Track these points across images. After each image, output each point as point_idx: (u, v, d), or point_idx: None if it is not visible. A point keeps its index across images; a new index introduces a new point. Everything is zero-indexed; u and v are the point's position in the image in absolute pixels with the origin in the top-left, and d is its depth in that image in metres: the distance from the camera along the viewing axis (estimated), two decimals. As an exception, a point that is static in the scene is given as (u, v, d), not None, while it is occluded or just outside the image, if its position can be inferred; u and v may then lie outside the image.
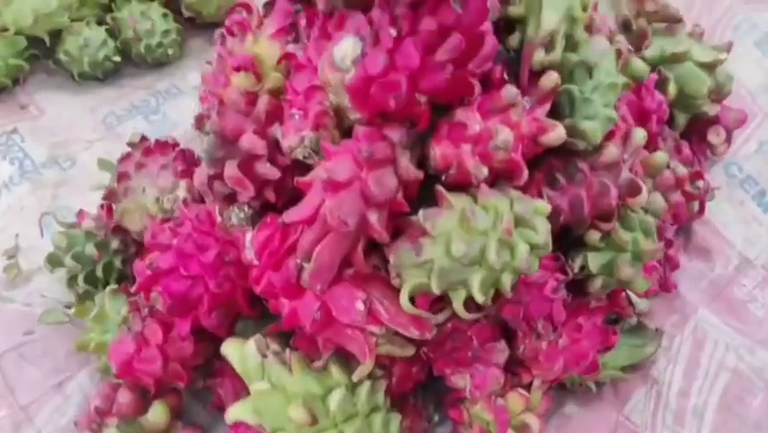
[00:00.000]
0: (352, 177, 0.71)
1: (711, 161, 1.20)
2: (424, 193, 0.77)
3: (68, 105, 1.30)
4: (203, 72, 0.96)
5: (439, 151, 0.74)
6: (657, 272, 0.90)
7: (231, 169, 0.81)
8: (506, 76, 0.77)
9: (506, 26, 0.77)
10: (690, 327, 1.05)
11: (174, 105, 1.31)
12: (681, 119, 1.12)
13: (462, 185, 0.76)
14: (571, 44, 0.79)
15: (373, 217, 0.72)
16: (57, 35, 1.28)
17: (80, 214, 1.06)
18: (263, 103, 0.83)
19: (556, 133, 0.74)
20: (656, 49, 1.08)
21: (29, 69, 1.29)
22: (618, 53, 0.81)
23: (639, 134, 0.83)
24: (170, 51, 1.32)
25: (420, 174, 0.74)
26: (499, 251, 0.72)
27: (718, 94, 1.12)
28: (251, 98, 0.85)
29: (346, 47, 0.71)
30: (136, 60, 1.33)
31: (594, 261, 0.85)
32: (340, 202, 0.71)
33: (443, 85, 0.71)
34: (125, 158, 1.01)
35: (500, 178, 0.77)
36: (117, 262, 1.03)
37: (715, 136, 1.14)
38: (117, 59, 1.30)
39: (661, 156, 0.97)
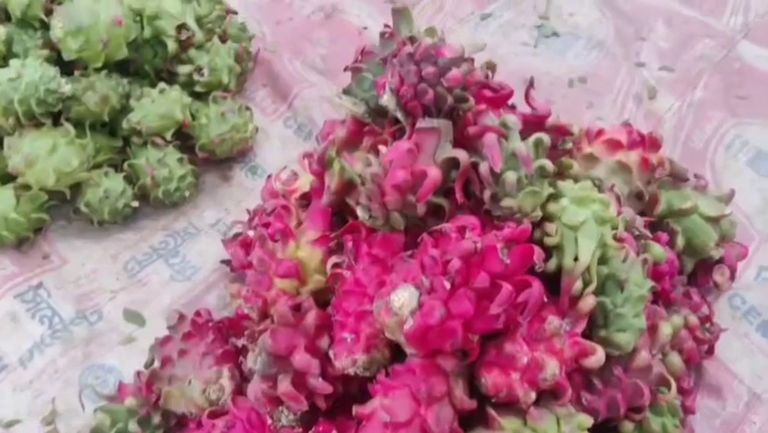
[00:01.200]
0: (412, 415, 0.76)
1: (716, 293, 1.26)
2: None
3: (90, 253, 1.32)
4: (248, 279, 0.98)
5: (490, 379, 0.79)
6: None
7: (284, 385, 0.85)
8: (545, 299, 0.81)
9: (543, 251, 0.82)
10: (709, 471, 1.11)
11: (192, 247, 1.34)
12: (689, 264, 1.18)
13: (511, 404, 0.80)
14: (603, 259, 0.84)
15: (433, 450, 0.77)
16: (76, 186, 1.30)
17: (121, 389, 1.09)
18: (311, 317, 0.87)
19: (596, 358, 0.80)
20: (664, 203, 1.14)
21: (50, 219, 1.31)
22: (644, 262, 0.86)
23: (665, 332, 0.89)
24: (187, 193, 1.35)
25: (474, 404, 0.79)
26: (551, 475, 0.77)
27: (724, 241, 1.18)
28: (297, 306, 0.89)
29: (403, 297, 0.75)
30: (153, 204, 1.35)
31: (628, 451, 0.90)
32: (403, 442, 0.75)
33: (496, 328, 0.75)
34: (166, 341, 1.04)
35: (545, 394, 0.82)
36: (159, 437, 1.06)
37: (720, 276, 1.21)
38: (136, 204, 1.33)
39: (676, 322, 1.03)
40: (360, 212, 0.83)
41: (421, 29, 0.94)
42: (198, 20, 1.36)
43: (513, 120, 0.82)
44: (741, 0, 1.74)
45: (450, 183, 0.82)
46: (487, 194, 0.81)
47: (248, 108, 1.42)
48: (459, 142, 0.84)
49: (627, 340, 0.83)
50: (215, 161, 1.41)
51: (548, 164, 0.80)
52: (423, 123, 0.80)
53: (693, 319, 1.12)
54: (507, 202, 0.80)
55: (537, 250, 0.75)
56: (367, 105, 0.87)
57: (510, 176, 0.79)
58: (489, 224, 0.81)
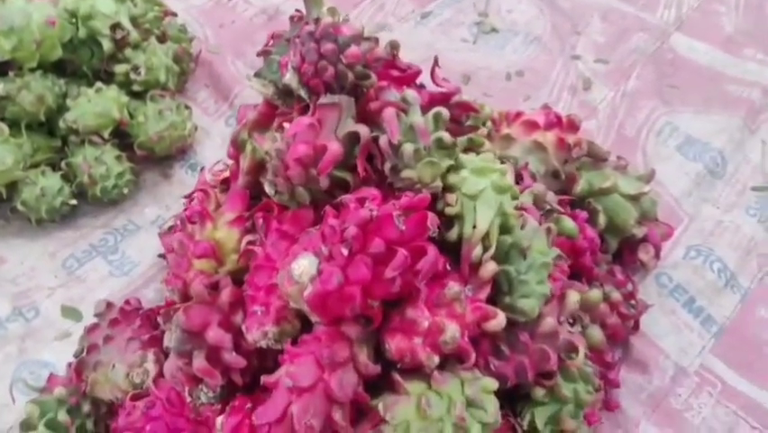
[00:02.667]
0: (315, 381, 0.78)
1: (643, 272, 1.29)
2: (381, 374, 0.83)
3: (29, 252, 1.33)
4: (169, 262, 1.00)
5: (393, 344, 0.81)
6: (595, 418, 0.98)
7: (199, 360, 0.87)
8: (448, 267, 0.84)
9: (443, 220, 0.84)
10: (633, 443, 1.13)
11: (132, 243, 1.35)
12: (613, 243, 1.21)
13: (416, 369, 0.82)
14: (505, 228, 0.87)
15: (338, 415, 0.79)
16: (12, 185, 1.31)
17: (50, 379, 1.10)
18: (226, 294, 0.88)
19: (497, 321, 0.82)
20: (585, 183, 1.17)
21: (-15, 218, 1.32)
22: (548, 231, 0.89)
23: (572, 299, 0.91)
24: (125, 191, 1.36)
25: (378, 369, 0.81)
26: (454, 435, 0.79)
27: (645, 218, 1.21)
28: (214, 285, 0.91)
29: (303, 264, 0.77)
30: (91, 201, 1.37)
31: (540, 415, 0.92)
32: (306, 406, 0.77)
33: (393, 292, 0.78)
34: (93, 329, 1.05)
35: (451, 359, 0.84)
36: (89, 424, 1.07)
37: (644, 254, 1.24)
38: (74, 202, 1.34)
39: (595, 294, 1.06)
40: (267, 187, 0.86)
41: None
42: (133, 20, 1.38)
43: (413, 95, 0.85)
44: (674, -6, 1.78)
45: (354, 158, 0.85)
46: (387, 166, 0.83)
47: (187, 107, 1.44)
48: (363, 118, 0.87)
49: (531, 306, 0.86)
50: (156, 159, 1.43)
51: (446, 136, 0.83)
52: (324, 99, 0.83)
53: (617, 295, 1.15)
54: (406, 173, 0.82)
55: (431, 216, 0.78)
56: (275, 87, 0.89)
57: (408, 148, 0.81)
58: (391, 196, 0.83)
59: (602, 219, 1.17)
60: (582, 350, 0.91)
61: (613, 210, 1.18)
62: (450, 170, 0.85)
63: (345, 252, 0.76)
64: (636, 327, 1.20)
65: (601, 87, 1.60)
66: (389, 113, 0.82)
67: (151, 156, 1.42)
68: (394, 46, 0.89)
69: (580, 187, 1.16)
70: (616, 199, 1.18)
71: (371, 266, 0.76)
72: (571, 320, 1.01)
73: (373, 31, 1.52)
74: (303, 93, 0.85)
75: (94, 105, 1.33)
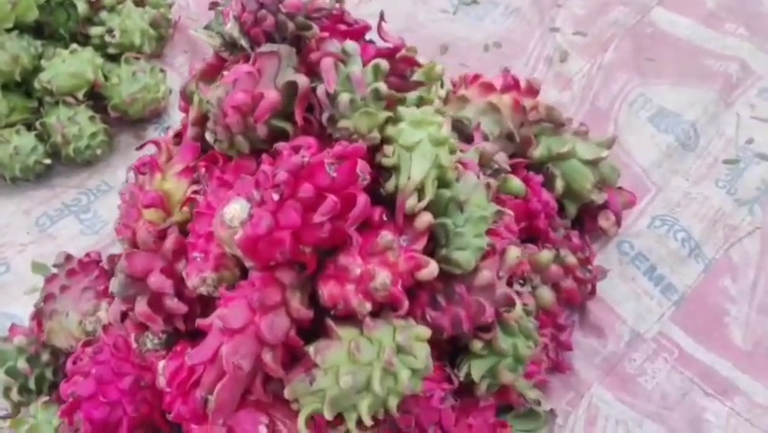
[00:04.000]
0: (246, 323, 0.80)
1: (605, 239, 1.30)
2: (318, 322, 0.85)
3: (2, 209, 1.36)
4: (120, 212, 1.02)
5: (326, 291, 0.83)
6: (538, 375, 0.99)
7: (141, 305, 0.89)
8: (384, 217, 0.85)
9: (382, 173, 0.86)
10: (584, 405, 1.14)
11: (105, 203, 1.38)
12: (572, 208, 1.21)
13: (350, 316, 0.84)
14: (444, 182, 0.88)
15: (268, 357, 0.80)
16: (-13, 144, 1.34)
17: (12, 329, 1.12)
18: (170, 241, 0.90)
19: (429, 270, 0.83)
20: (544, 148, 1.18)
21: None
22: (488, 186, 0.90)
23: (512, 254, 0.92)
24: (99, 151, 1.39)
25: (310, 313, 0.82)
26: (383, 379, 0.80)
27: (604, 184, 1.22)
28: (161, 234, 0.93)
29: (234, 209, 0.79)
30: (65, 162, 1.39)
31: (477, 368, 0.94)
32: (235, 347, 0.79)
33: (324, 239, 0.79)
34: (51, 279, 1.08)
35: (385, 307, 0.85)
36: (48, 374, 1.09)
37: (604, 220, 1.24)
38: (48, 161, 1.37)
39: (545, 255, 1.07)
40: (207, 136, 0.87)
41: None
42: (109, -17, 1.40)
43: (353, 46, 0.86)
44: (656, -32, 1.77)
45: (293, 108, 0.86)
46: (325, 116, 0.85)
47: (162, 70, 1.46)
48: (305, 69, 0.88)
49: (467, 258, 0.87)
50: (130, 121, 1.45)
51: (382, 87, 0.83)
52: (264, 47, 0.84)
53: (572, 259, 1.16)
54: (342, 123, 0.83)
55: (362, 163, 0.79)
56: (222, 38, 0.90)
57: (344, 97, 0.82)
58: (329, 146, 0.84)
59: (559, 184, 1.18)
60: (519, 304, 0.92)
61: (570, 175, 1.19)
62: (388, 122, 0.86)
63: (276, 197, 0.77)
64: (593, 291, 1.21)
65: (578, 59, 1.60)
66: (327, 62, 0.83)
67: (125, 118, 1.44)
68: (341, 1, 0.90)
69: (539, 152, 1.17)
70: (573, 164, 1.18)
71: (301, 211, 0.77)
72: (521, 281, 1.03)
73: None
74: (244, 42, 0.86)
75: (68, 66, 1.36)
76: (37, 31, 1.40)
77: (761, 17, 1.66)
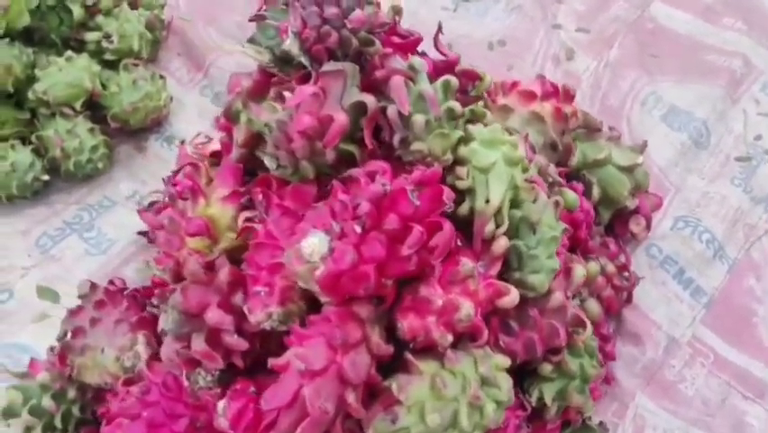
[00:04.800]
0: (327, 363, 0.75)
1: (633, 244, 1.28)
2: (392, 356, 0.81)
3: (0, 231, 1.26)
4: (159, 240, 0.95)
5: (406, 323, 0.79)
6: (595, 389, 0.98)
7: (198, 343, 0.83)
8: (459, 242, 0.81)
9: (455, 196, 0.81)
10: (630, 415, 1.13)
11: (109, 220, 1.30)
12: (606, 215, 1.20)
13: (429, 349, 0.80)
14: (515, 202, 0.84)
15: (351, 397, 0.76)
16: (-20, 161, 1.24)
17: (32, 364, 1.05)
18: (224, 273, 0.84)
19: (510, 298, 0.80)
20: (579, 155, 1.15)
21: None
22: (556, 205, 0.87)
23: (579, 273, 0.90)
24: (100, 165, 1.30)
25: (390, 349, 0.78)
26: (470, 415, 0.77)
27: (637, 190, 1.20)
28: (210, 265, 0.86)
29: (313, 243, 0.74)
30: (64, 177, 1.30)
31: (548, 391, 0.91)
32: (318, 389, 0.74)
33: (409, 271, 0.75)
34: (78, 311, 1.00)
35: (463, 337, 0.81)
36: (75, 410, 1.02)
37: (636, 225, 1.23)
38: (46, 177, 1.28)
39: (593, 268, 1.05)
40: (267, 161, 0.81)
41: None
42: (105, -15, 1.31)
43: (420, 62, 0.81)
44: (653, -38, 1.76)
45: (359, 129, 0.81)
46: (396, 138, 0.80)
47: (161, 76, 1.38)
48: (367, 87, 0.83)
49: (541, 281, 0.84)
50: (129, 131, 1.37)
51: (457, 106, 0.79)
52: (328, 66, 0.79)
53: (611, 267, 1.15)
54: (416, 145, 0.79)
55: (447, 190, 0.75)
56: (272, 53, 0.84)
57: (419, 118, 0.78)
58: (400, 169, 0.80)
59: (596, 191, 1.16)
60: (590, 325, 0.89)
61: (607, 182, 1.17)
62: (460, 142, 0.81)
63: (359, 229, 0.72)
64: (629, 299, 1.20)
65: (584, 56, 1.58)
66: (398, 81, 0.78)
67: (125, 128, 1.36)
68: (397, 11, 0.85)
69: (576, 158, 1.15)
70: (610, 171, 1.17)
71: (386, 243, 0.73)
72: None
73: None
74: (304, 60, 0.80)
75: (65, 74, 1.26)
76: (27, 36, 1.29)
77: (757, 11, 1.67)
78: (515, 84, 1.11)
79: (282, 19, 0.85)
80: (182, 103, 1.44)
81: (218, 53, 1.50)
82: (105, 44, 1.32)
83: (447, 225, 0.75)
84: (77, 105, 1.28)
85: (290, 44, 0.79)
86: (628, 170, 1.17)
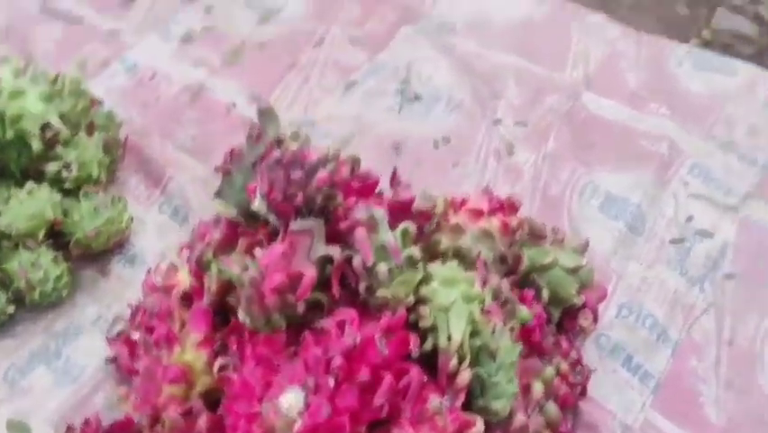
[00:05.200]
0: None
1: (583, 336, 1.36)
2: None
3: (-35, 369, 1.27)
4: (135, 386, 0.98)
5: (381, 463, 0.83)
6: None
7: (182, 493, 0.86)
8: (424, 378, 0.87)
9: (419, 334, 0.88)
10: (593, 505, 1.19)
11: (76, 346, 1.31)
12: (556, 314, 1.27)
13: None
14: (474, 332, 0.91)
15: None
16: (-56, 298, 1.25)
17: None
18: (203, 421, 0.88)
19: (477, 429, 0.86)
20: (527, 260, 1.23)
21: None
22: (512, 330, 0.94)
23: (537, 388, 0.96)
24: (64, 293, 1.33)
25: (366, 489, 0.82)
26: None
27: (584, 287, 1.28)
28: (188, 411, 0.90)
29: (290, 399, 0.78)
30: (30, 307, 1.32)
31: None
32: None
33: (381, 416, 0.80)
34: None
35: (432, 469, 0.87)
36: None
37: (584, 320, 1.30)
38: (11, 310, 1.29)
39: (550, 373, 1.12)
40: (241, 316, 0.86)
41: (287, 123, 0.98)
42: (62, 116, 1.34)
43: (381, 213, 0.87)
44: (580, 54, 1.89)
45: (326, 278, 0.87)
46: (362, 286, 0.86)
47: (120, 199, 1.42)
48: (332, 235, 0.89)
49: (503, 406, 0.90)
50: (92, 255, 1.40)
51: (416, 252, 0.86)
52: (295, 224, 0.85)
53: (564, 366, 1.21)
54: (381, 293, 0.85)
55: (413, 337, 0.81)
56: (239, 208, 0.90)
57: (382, 268, 0.84)
58: (366, 313, 0.86)
59: (545, 294, 1.23)
60: (551, 436, 0.95)
61: (555, 284, 1.24)
62: (421, 282, 0.88)
63: (332, 382, 0.77)
64: (584, 392, 1.27)
65: (523, 150, 1.68)
66: (361, 234, 0.84)
67: (87, 253, 1.38)
68: (356, 162, 0.92)
69: (524, 265, 1.22)
70: (557, 273, 1.24)
71: (358, 394, 0.78)
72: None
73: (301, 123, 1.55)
74: (272, 219, 0.86)
75: (26, 207, 1.29)
76: (-15, 170, 1.32)
77: (679, 96, 1.80)
78: (463, 202, 1.18)
79: (247, 176, 0.91)
80: (142, 221, 1.48)
81: (176, 168, 1.55)
82: (64, 174, 1.35)
83: (415, 370, 0.81)
84: (40, 236, 1.31)
85: (259, 205, 0.85)
86: (574, 270, 1.25)
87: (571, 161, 1.65)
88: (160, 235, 1.46)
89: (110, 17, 1.84)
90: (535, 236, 1.24)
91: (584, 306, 1.32)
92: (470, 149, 1.68)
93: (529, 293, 1.18)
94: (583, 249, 1.29)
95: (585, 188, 1.61)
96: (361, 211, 0.87)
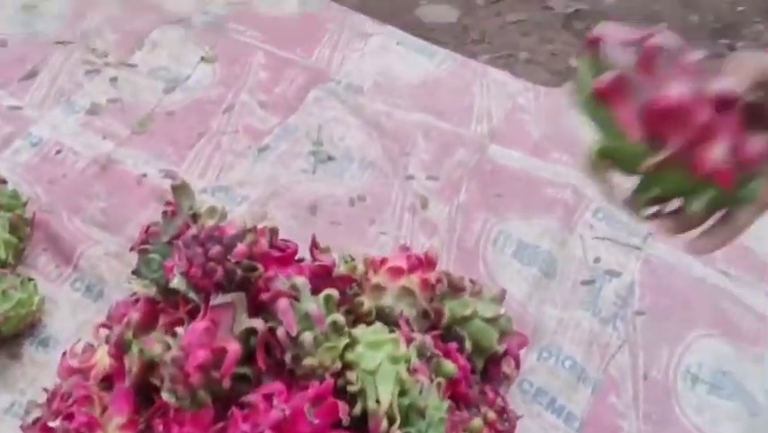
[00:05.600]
0: None
1: (507, 383, 1.39)
2: None
3: None
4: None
5: None
6: None
7: None
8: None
9: (348, 399, 0.88)
10: None
11: (-12, 438, 1.25)
12: (479, 363, 1.30)
13: None
14: (402, 392, 0.92)
15: None
16: None
17: None
18: None
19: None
20: (448, 313, 1.26)
21: None
22: (439, 386, 0.95)
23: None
24: (-26, 382, 1.26)
25: None
26: None
27: (504, 335, 1.32)
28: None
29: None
30: (-65, 400, 1.25)
31: None
32: None
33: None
34: None
35: None
36: None
37: (507, 367, 1.34)
38: None
39: (477, 424, 1.14)
40: (165, 396, 0.85)
41: (200, 190, 0.98)
42: (-36, 198, 1.30)
43: (302, 281, 0.88)
44: (484, 109, 1.97)
45: (251, 350, 0.87)
46: (288, 356, 0.86)
47: (31, 279, 1.37)
48: (254, 307, 0.89)
49: (437, 464, 0.91)
50: (2, 339, 1.34)
51: (340, 318, 0.87)
52: (216, 299, 0.84)
53: (491, 415, 1.24)
54: (307, 361, 0.85)
55: (342, 404, 0.81)
56: (158, 286, 0.89)
57: (307, 336, 0.85)
58: (293, 383, 0.86)
59: (468, 344, 1.26)
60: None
61: (477, 334, 1.27)
62: (346, 347, 0.89)
63: (262, 455, 0.77)
64: (512, 439, 1.29)
65: (437, 203, 1.72)
66: (284, 304, 0.85)
67: (-3, 337, 1.33)
68: (274, 232, 0.93)
69: (446, 318, 1.25)
70: (477, 324, 1.27)
71: (291, 468, 0.78)
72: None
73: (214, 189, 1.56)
74: (192, 295, 0.85)
75: (-71, 296, 1.23)
76: None
77: (579, 144, 1.89)
78: (383, 261, 1.20)
79: (165, 253, 0.90)
80: (54, 300, 1.43)
81: (87, 244, 1.51)
82: (-31, 258, 1.30)
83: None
84: (-55, 324, 1.25)
85: (178, 282, 0.84)
86: (493, 320, 1.29)
87: (483, 211, 1.71)
88: (74, 314, 1.42)
89: (10, 93, 1.80)
90: (455, 289, 1.27)
91: (506, 353, 1.36)
92: (385, 205, 1.71)
93: (453, 346, 1.21)
94: (501, 298, 1.34)
95: (498, 236, 1.66)
96: (282, 281, 0.88)
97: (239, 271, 0.86)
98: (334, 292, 0.89)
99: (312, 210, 1.68)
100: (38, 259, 1.49)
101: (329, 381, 0.84)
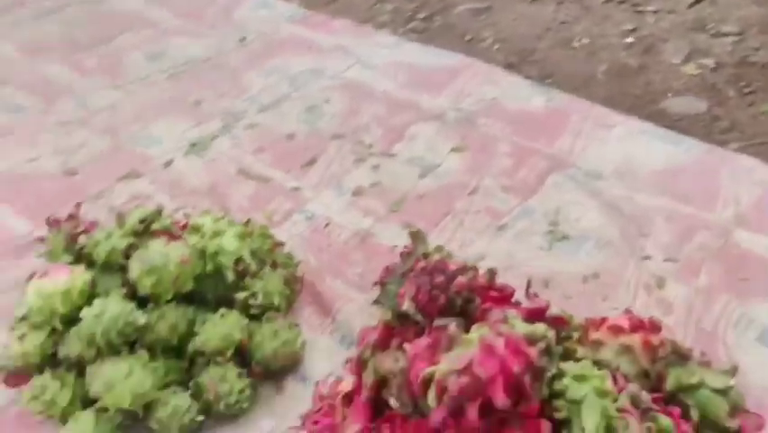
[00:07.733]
0: None
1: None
2: None
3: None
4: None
5: None
6: None
7: None
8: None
9: (555, 427, 0.94)
10: None
11: (252, 455, 1.46)
12: (708, 437, 1.26)
13: None
14: (610, 429, 0.96)
15: None
16: (147, 405, 1.46)
17: None
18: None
19: None
20: (673, 379, 1.25)
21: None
22: (649, 430, 0.98)
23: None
24: (245, 405, 1.50)
25: None
26: None
27: (735, 411, 1.27)
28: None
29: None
30: (215, 416, 1.50)
31: None
32: None
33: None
34: None
35: None
36: None
37: (741, 446, 1.28)
38: (201, 418, 1.48)
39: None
40: (392, 402, 0.98)
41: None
42: (252, 253, 1.59)
43: (514, 314, 0.98)
44: (730, 194, 1.93)
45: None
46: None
47: (296, 325, 1.61)
48: (472, 335, 1.00)
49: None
50: (270, 372, 1.58)
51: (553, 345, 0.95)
52: (439, 321, 0.97)
53: (720, 490, 1.19)
54: (515, 384, 0.94)
55: (545, 424, 0.88)
56: (393, 312, 1.04)
57: (515, 361, 0.94)
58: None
59: (694, 414, 1.24)
60: None
61: (704, 404, 1.24)
62: (554, 378, 0.96)
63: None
64: None
65: (674, 284, 1.71)
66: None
67: (267, 371, 1.57)
68: (492, 273, 1.05)
69: (670, 383, 1.24)
70: (705, 393, 1.25)
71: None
72: None
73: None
74: (419, 318, 0.99)
75: (219, 329, 1.51)
76: (188, 298, 1.57)
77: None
78: (604, 320, 1.25)
79: (400, 285, 1.06)
80: (314, 345, 1.66)
81: (343, 301, 1.73)
82: (251, 301, 1.57)
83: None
84: (228, 354, 1.51)
85: (408, 306, 0.99)
86: (723, 392, 1.26)
87: (724, 294, 1.67)
88: (329, 357, 1.62)
89: (294, 177, 2.14)
90: (680, 356, 1.26)
91: (740, 432, 1.30)
92: (619, 283, 1.74)
93: (676, 410, 1.20)
94: (733, 372, 1.30)
95: (740, 319, 1.61)
96: (497, 313, 0.99)
97: (459, 301, 0.98)
98: (546, 327, 0.97)
99: (545, 284, 1.76)
100: (304, 310, 1.74)
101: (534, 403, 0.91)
